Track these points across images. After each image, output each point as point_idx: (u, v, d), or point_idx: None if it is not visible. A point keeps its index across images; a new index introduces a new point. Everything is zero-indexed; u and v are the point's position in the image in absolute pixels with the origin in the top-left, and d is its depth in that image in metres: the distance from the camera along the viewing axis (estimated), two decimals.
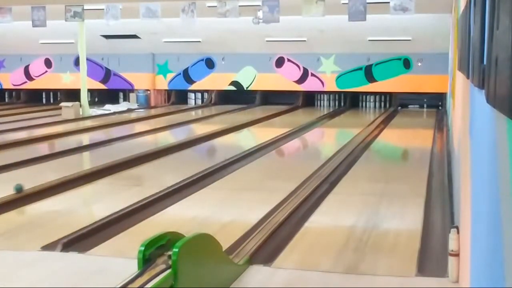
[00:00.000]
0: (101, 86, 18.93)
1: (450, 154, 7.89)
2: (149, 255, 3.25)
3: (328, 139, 13.02)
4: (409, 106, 17.11)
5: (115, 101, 18.86)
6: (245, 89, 18.09)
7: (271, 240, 4.84)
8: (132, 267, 3.26)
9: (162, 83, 18.66)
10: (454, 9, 9.00)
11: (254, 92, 18.26)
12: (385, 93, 17.40)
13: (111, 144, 10.58)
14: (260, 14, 12.38)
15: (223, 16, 12.32)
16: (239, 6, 12.21)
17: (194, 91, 18.98)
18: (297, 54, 17.28)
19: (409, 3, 11.17)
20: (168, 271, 3.18)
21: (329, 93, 17.89)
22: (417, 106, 17.05)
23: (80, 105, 15.25)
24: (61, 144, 10.60)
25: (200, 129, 13.26)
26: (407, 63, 16.74)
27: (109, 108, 17.15)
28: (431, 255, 4.46)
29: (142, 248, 3.22)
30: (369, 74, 16.97)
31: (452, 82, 8.60)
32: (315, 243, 4.84)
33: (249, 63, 17.76)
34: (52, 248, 4.60)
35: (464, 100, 3.92)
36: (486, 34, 1.83)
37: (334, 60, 17.15)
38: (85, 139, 11.69)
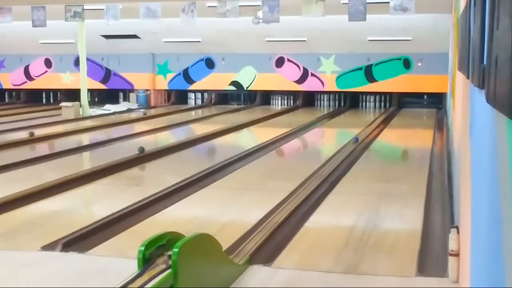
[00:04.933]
0: (101, 86, 18.93)
1: (450, 154, 7.89)
2: (149, 255, 3.25)
3: (328, 139, 13.02)
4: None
5: (115, 101, 18.86)
6: (245, 89, 18.11)
7: (271, 240, 4.84)
8: (132, 267, 3.26)
9: (162, 83, 18.66)
10: (454, 9, 9.00)
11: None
12: (385, 93, 17.42)
13: (111, 144, 10.58)
14: (260, 14, 12.38)
15: (223, 16, 12.32)
16: (239, 6, 12.21)
17: (194, 91, 18.99)
18: (297, 54, 17.29)
19: (409, 3, 11.16)
20: (168, 271, 3.18)
21: (329, 93, 17.91)
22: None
23: (80, 105, 15.26)
24: (61, 144, 10.59)
25: (200, 129, 13.26)
26: (407, 63, 16.75)
27: (109, 108, 17.16)
28: (431, 255, 4.46)
29: (142, 248, 3.22)
30: (369, 74, 16.97)
31: (452, 82, 8.60)
32: (315, 243, 4.83)
33: (249, 63, 17.76)
34: (52, 248, 4.60)
35: (464, 100, 3.92)
36: (486, 34, 1.83)
37: (334, 60, 17.16)
38: (85, 139, 11.69)
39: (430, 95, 16.90)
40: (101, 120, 14.25)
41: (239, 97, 19.00)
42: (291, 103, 18.23)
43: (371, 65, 16.92)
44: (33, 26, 13.31)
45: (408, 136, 12.32)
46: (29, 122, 13.38)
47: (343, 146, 10.01)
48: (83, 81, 15.79)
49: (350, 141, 10.25)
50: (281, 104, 18.42)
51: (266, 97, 18.41)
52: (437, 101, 16.57)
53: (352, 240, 4.84)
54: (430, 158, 8.90)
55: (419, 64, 16.60)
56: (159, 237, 3.35)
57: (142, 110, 15.87)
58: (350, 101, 17.60)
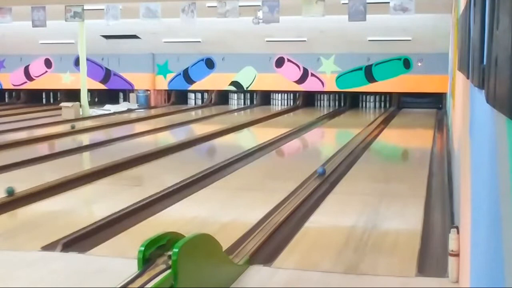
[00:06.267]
0: (101, 86, 18.93)
1: (450, 154, 7.89)
2: (149, 255, 3.25)
3: (328, 139, 13.02)
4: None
5: (115, 101, 18.86)
6: (245, 89, 18.11)
7: (271, 240, 4.84)
8: (132, 267, 3.26)
9: (162, 83, 18.66)
10: (454, 9, 9.00)
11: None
12: (385, 93, 17.42)
13: (111, 144, 10.58)
14: (260, 14, 12.39)
15: (223, 16, 12.32)
16: (239, 6, 12.21)
17: (194, 91, 18.99)
18: (297, 54, 17.29)
19: (409, 3, 11.17)
20: (168, 271, 3.18)
21: (329, 93, 17.91)
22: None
23: (80, 105, 15.25)
24: (61, 144, 10.60)
25: (200, 129, 13.26)
26: (407, 63, 16.75)
27: (109, 108, 17.16)
28: (431, 255, 4.46)
29: (142, 248, 3.22)
30: (369, 74, 16.97)
31: (452, 82, 8.60)
32: (315, 243, 4.84)
33: (249, 63, 17.76)
34: (52, 248, 4.60)
35: (464, 100, 3.92)
36: (486, 34, 1.83)
37: (334, 60, 17.16)
38: (85, 139, 11.69)
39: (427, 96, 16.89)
40: (101, 120, 14.25)
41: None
42: (291, 103, 18.24)
43: (371, 65, 16.92)
44: (33, 26, 13.31)
45: (408, 136, 12.32)
46: (29, 122, 13.38)
47: (301, 183, 6.96)
48: (83, 81, 15.78)
49: (314, 174, 7.31)
50: (281, 104, 18.43)
51: (266, 97, 18.41)
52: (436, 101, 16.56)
53: (352, 240, 4.84)
54: (430, 158, 8.90)
55: (419, 64, 16.60)
56: (159, 237, 3.35)
57: (71, 123, 13.10)
58: (350, 101, 17.60)
